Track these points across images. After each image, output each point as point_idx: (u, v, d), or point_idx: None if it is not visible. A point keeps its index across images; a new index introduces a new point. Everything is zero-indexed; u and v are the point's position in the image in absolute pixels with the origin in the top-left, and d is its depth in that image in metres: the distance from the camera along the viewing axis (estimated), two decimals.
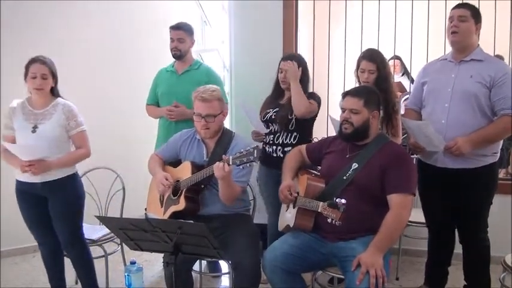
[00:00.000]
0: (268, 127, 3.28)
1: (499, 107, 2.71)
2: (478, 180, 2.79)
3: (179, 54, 3.57)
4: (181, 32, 3.55)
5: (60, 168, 2.95)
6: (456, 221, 2.94)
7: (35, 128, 2.91)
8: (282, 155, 3.14)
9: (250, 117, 3.27)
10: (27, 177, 2.91)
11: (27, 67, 2.92)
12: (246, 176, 2.80)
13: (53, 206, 2.97)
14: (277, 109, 3.26)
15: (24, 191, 2.98)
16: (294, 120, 3.18)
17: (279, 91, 3.34)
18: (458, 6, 2.83)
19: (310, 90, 3.36)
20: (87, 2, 4.24)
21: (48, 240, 3.06)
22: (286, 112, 3.20)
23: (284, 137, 3.23)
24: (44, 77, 2.91)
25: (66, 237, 3.03)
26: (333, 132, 3.27)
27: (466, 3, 2.86)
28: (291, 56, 3.39)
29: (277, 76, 3.30)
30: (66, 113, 2.97)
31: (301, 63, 3.25)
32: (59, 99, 3.00)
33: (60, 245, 3.06)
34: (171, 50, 3.58)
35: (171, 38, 3.58)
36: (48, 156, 2.88)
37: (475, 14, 2.78)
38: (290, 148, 3.08)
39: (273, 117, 3.25)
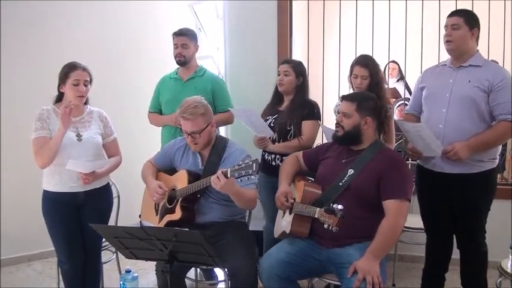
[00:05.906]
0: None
1: (497, 112, 2.69)
2: (475, 186, 2.76)
3: (183, 61, 3.50)
4: (185, 38, 3.48)
5: (105, 176, 2.95)
6: (454, 226, 2.93)
7: (79, 137, 2.82)
8: (280, 164, 3.09)
9: (253, 123, 3.11)
10: (70, 187, 2.81)
11: (66, 73, 2.79)
12: (253, 178, 2.69)
13: (89, 213, 2.87)
14: (276, 116, 3.25)
15: (60, 202, 2.82)
16: (292, 131, 3.16)
17: (278, 97, 3.32)
18: (452, 14, 2.80)
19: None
20: (80, 8, 4.23)
21: (75, 261, 2.88)
22: (284, 120, 3.18)
23: None
24: (86, 83, 2.83)
25: (97, 244, 2.99)
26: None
27: (460, 10, 2.83)
28: (289, 60, 3.38)
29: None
30: (104, 120, 2.96)
31: (299, 69, 3.24)
32: (89, 106, 2.96)
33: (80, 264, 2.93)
34: (175, 56, 3.51)
35: (174, 45, 3.51)
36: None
37: (469, 19, 2.74)
38: None
39: (271, 124, 3.23)
